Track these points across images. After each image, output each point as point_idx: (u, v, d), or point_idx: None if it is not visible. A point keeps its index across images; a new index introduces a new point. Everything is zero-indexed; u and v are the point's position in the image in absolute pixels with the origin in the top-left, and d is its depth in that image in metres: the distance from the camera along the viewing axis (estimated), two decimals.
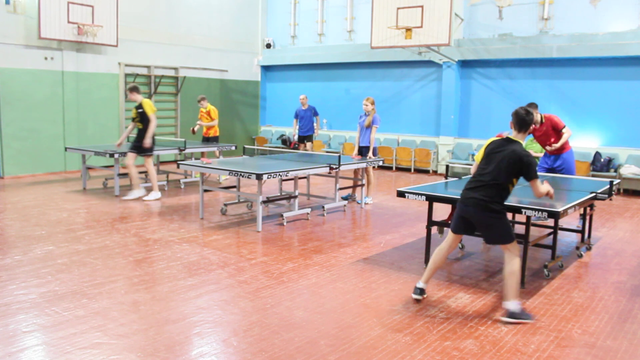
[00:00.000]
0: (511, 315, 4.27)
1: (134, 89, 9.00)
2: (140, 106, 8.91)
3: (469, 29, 13.03)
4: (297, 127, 12.21)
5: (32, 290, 4.75)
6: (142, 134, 8.92)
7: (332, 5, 15.42)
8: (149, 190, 9.20)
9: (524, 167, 4.32)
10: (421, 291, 4.70)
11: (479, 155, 4.68)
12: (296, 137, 12.52)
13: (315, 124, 12.17)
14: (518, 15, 12.34)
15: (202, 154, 11.24)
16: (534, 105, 7.47)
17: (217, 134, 11.44)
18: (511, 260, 4.37)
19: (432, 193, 5.51)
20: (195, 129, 11.35)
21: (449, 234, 4.69)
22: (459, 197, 5.17)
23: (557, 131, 7.46)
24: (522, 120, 4.48)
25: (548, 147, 7.60)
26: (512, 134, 4.57)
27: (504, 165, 4.33)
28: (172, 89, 14.31)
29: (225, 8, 15.52)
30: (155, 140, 9.34)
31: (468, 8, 13.00)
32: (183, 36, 14.37)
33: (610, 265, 5.96)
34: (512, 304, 4.29)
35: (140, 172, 10.66)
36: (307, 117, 12.15)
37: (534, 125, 7.51)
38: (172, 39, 14.11)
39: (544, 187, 4.48)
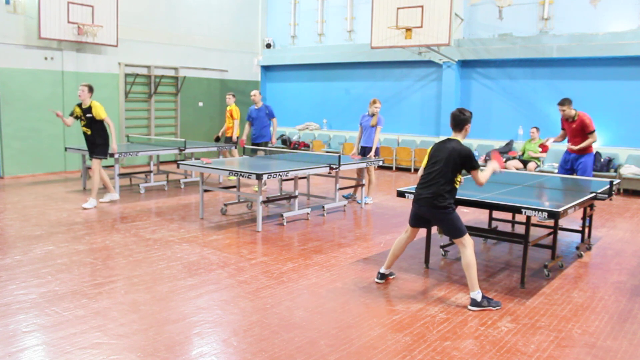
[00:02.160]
0: (475, 304, 4.52)
1: (90, 89, 8.27)
2: (89, 110, 8.17)
3: (469, 29, 13.03)
4: (250, 130, 10.44)
5: (32, 290, 4.75)
6: (92, 139, 8.34)
7: (332, 5, 15.42)
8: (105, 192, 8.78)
9: (464, 160, 4.62)
10: (382, 276, 5.13)
11: (424, 160, 4.94)
12: (237, 138, 10.93)
13: (271, 128, 10.31)
14: (518, 15, 12.34)
15: (223, 153, 11.45)
16: (568, 100, 7.54)
17: (231, 134, 11.13)
18: (465, 253, 4.62)
19: None
20: (220, 134, 11.50)
21: (407, 227, 5.03)
22: (459, 197, 5.24)
23: (584, 132, 7.51)
24: (457, 119, 4.76)
25: (570, 145, 7.67)
26: (452, 134, 4.84)
27: (447, 163, 4.63)
28: (172, 89, 14.31)
29: (225, 8, 15.52)
30: (109, 144, 8.57)
31: (468, 8, 13.00)
32: (183, 36, 14.37)
33: (610, 265, 5.96)
34: (475, 294, 4.54)
35: (140, 173, 10.66)
36: (259, 119, 10.21)
37: (566, 120, 7.65)
38: (172, 39, 14.11)
39: (486, 172, 4.77)
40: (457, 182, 4.73)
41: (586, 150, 7.61)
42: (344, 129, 15.11)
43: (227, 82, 15.75)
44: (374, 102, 8.95)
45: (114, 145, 8.56)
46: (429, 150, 4.93)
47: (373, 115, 8.91)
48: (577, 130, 7.56)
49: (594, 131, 7.53)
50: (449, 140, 4.77)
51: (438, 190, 4.64)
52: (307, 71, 16.06)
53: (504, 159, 11.53)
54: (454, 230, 4.68)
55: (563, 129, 7.84)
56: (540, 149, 10.83)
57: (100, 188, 8.67)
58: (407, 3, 11.96)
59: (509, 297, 4.84)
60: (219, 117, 12.66)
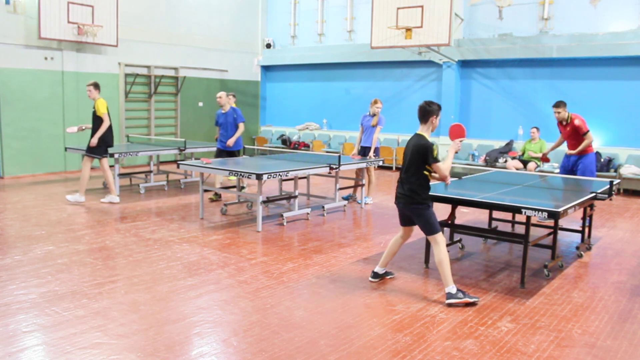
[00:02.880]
0: (450, 296, 4.61)
1: (96, 86, 8.47)
2: (94, 105, 8.48)
3: (469, 29, 13.03)
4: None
5: (32, 290, 4.75)
6: (92, 134, 8.49)
7: (332, 5, 15.42)
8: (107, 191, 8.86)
9: (423, 153, 4.66)
10: (375, 275, 5.16)
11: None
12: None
13: (237, 134, 9.03)
14: (518, 15, 12.34)
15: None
16: (563, 102, 7.57)
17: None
18: (437, 250, 4.70)
19: (432, 193, 5.49)
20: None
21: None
22: (459, 197, 5.25)
23: (578, 134, 7.53)
24: (423, 111, 4.79)
25: (568, 151, 7.71)
26: (419, 128, 4.86)
27: (412, 157, 4.73)
28: (172, 89, 14.31)
29: (225, 8, 15.52)
30: (108, 141, 8.56)
31: (468, 8, 13.00)
32: (183, 36, 14.37)
33: (610, 265, 5.96)
34: (450, 288, 4.63)
35: (140, 173, 10.66)
36: (226, 125, 9.02)
37: (560, 123, 7.70)
38: (172, 39, 14.12)
39: (447, 161, 4.86)
40: (430, 176, 4.78)
41: (585, 151, 7.63)
42: (344, 129, 15.11)
43: (227, 82, 15.75)
44: (375, 102, 8.94)
45: (93, 140, 8.43)
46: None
47: (374, 115, 8.91)
48: (571, 132, 7.59)
49: (588, 132, 7.54)
50: (415, 135, 4.83)
51: (411, 186, 4.73)
52: (307, 71, 16.06)
53: (504, 159, 11.53)
54: (428, 226, 4.74)
55: (561, 133, 7.86)
56: (540, 154, 10.84)
57: (98, 188, 8.66)
58: (407, 3, 11.96)
59: (509, 297, 4.84)
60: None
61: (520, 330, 4.15)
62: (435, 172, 4.78)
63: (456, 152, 4.98)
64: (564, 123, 7.64)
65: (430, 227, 4.74)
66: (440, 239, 4.73)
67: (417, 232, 7.13)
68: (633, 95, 11.08)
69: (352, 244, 6.56)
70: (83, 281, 4.99)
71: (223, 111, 9.09)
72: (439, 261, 4.68)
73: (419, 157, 4.69)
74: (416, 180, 4.73)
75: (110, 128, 8.55)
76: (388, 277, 5.26)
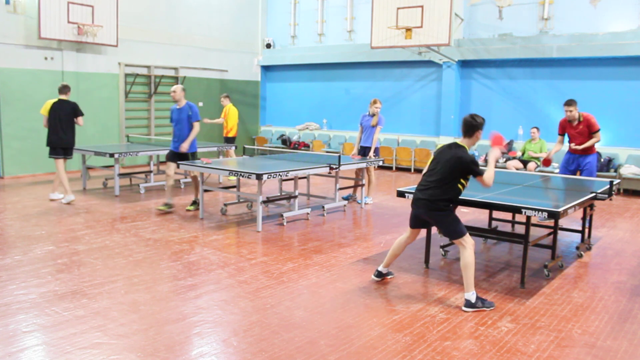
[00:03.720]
0: (469, 305, 4.52)
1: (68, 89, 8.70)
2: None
3: (469, 29, 13.03)
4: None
5: (32, 290, 4.75)
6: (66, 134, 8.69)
7: (332, 5, 15.42)
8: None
9: (466, 167, 4.60)
10: (379, 274, 5.14)
11: (429, 161, 4.94)
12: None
13: (191, 134, 7.96)
14: (518, 15, 12.34)
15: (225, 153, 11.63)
16: (575, 101, 7.50)
17: (229, 134, 11.64)
18: (463, 254, 4.60)
19: None
20: (206, 120, 11.65)
21: (408, 228, 5.04)
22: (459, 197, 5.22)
23: (589, 132, 7.46)
24: (469, 125, 4.71)
25: (573, 145, 7.61)
26: (459, 139, 4.79)
27: (448, 168, 4.63)
28: None
29: (225, 8, 15.52)
30: (54, 142, 8.58)
31: (468, 8, 13.00)
32: (183, 36, 14.37)
33: (610, 265, 5.96)
34: (470, 295, 4.53)
35: (140, 173, 10.66)
36: (182, 122, 7.95)
37: (569, 122, 7.58)
38: (172, 39, 14.12)
39: (489, 171, 4.71)
40: (461, 188, 4.70)
41: (591, 150, 7.57)
42: (344, 129, 15.11)
43: (227, 82, 15.76)
44: (375, 102, 8.94)
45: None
46: (435, 151, 4.94)
47: (373, 115, 8.91)
48: (584, 131, 7.49)
49: (599, 130, 7.48)
50: (455, 145, 4.72)
51: (435, 193, 4.64)
52: (307, 71, 16.06)
53: (504, 159, 11.53)
54: (452, 231, 4.68)
55: (560, 134, 7.76)
56: (540, 156, 10.83)
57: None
58: (407, 3, 11.96)
59: (509, 297, 4.84)
60: (219, 117, 12.71)
61: (520, 330, 4.15)
62: (480, 182, 4.68)
63: (497, 161, 4.89)
64: (574, 123, 7.55)
65: (454, 233, 4.66)
66: (467, 242, 4.60)
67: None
68: (633, 95, 11.08)
69: (352, 244, 6.56)
70: (83, 281, 4.99)
71: (178, 107, 8.00)
72: (464, 265, 4.56)
73: (462, 169, 4.60)
74: (449, 190, 4.64)
75: (51, 129, 8.56)
76: (388, 277, 5.26)
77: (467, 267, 4.55)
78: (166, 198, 8.27)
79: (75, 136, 8.83)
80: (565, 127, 7.72)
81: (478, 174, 4.63)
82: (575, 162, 7.69)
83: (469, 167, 4.60)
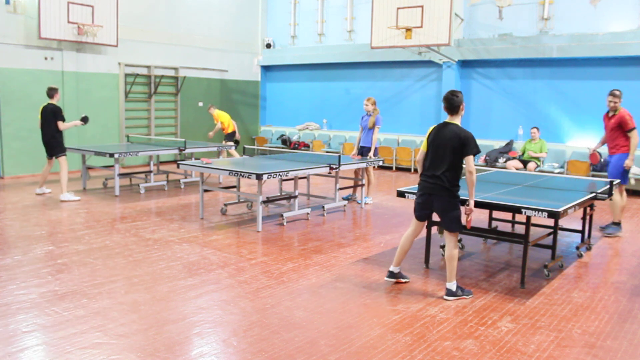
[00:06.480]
0: (451, 293, 4.73)
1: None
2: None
3: (469, 29, 13.03)
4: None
5: (32, 290, 4.75)
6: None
7: (332, 5, 15.42)
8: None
9: (467, 143, 4.57)
10: (392, 274, 5.09)
11: (424, 143, 4.90)
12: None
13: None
14: (518, 15, 12.34)
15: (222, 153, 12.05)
16: (616, 92, 7.21)
17: (228, 131, 12.31)
18: (450, 245, 4.75)
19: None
20: (210, 135, 12.63)
21: (413, 221, 5.04)
22: (459, 197, 5.22)
23: (621, 129, 7.18)
24: (453, 102, 4.73)
25: (607, 144, 7.34)
26: (447, 118, 4.82)
27: (454, 148, 4.61)
28: (172, 89, 14.31)
29: (225, 8, 15.52)
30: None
31: (468, 8, 13.00)
32: (183, 36, 14.37)
33: (610, 265, 5.96)
34: (452, 285, 4.74)
35: (140, 173, 10.68)
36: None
37: (607, 113, 7.28)
38: (172, 39, 14.11)
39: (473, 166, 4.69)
40: (460, 167, 4.72)
41: (620, 148, 7.22)
42: (344, 129, 15.11)
43: (227, 82, 15.76)
44: (368, 100, 8.92)
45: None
46: (427, 134, 4.88)
47: (370, 115, 8.91)
48: (614, 125, 7.23)
49: (634, 128, 7.13)
50: (449, 124, 4.72)
51: (451, 176, 4.65)
52: (307, 71, 16.06)
53: (504, 159, 11.53)
54: (454, 222, 4.71)
55: (605, 125, 7.44)
56: (540, 156, 10.83)
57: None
58: (407, 3, 11.96)
59: (509, 297, 4.85)
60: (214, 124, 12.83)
61: (520, 330, 4.15)
62: (467, 163, 4.64)
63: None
64: (611, 114, 7.28)
65: (456, 224, 4.71)
66: (456, 238, 4.80)
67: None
68: (633, 95, 11.06)
69: (352, 244, 6.56)
70: (83, 281, 4.99)
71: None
72: (451, 256, 4.72)
73: (462, 147, 4.58)
74: (455, 172, 4.65)
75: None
76: (403, 280, 5.13)
77: (453, 258, 4.72)
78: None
79: (60, 138, 8.90)
80: (604, 119, 7.43)
81: (469, 153, 4.59)
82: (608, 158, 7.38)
83: (467, 143, 4.56)
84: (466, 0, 12.95)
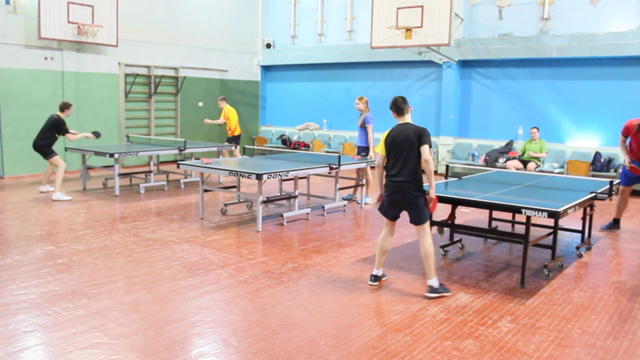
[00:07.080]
0: (432, 290, 4.76)
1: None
2: None
3: (469, 29, 13.03)
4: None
5: (32, 290, 4.75)
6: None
7: (332, 5, 15.41)
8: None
9: (421, 134, 4.76)
10: (375, 278, 5.09)
11: (381, 147, 4.98)
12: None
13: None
14: (518, 15, 12.33)
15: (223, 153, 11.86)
16: None
17: (234, 133, 11.83)
18: (425, 241, 4.80)
19: (438, 194, 5.50)
20: (206, 121, 12.07)
21: (385, 222, 5.07)
22: (459, 197, 5.24)
23: None
24: (401, 105, 4.96)
25: (627, 162, 7.24)
26: (399, 120, 4.98)
27: (413, 145, 4.75)
28: (172, 89, 14.31)
29: (225, 8, 15.51)
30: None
31: (468, 8, 12.99)
32: (183, 36, 14.37)
33: (610, 265, 5.96)
34: (433, 281, 4.78)
35: (140, 173, 10.68)
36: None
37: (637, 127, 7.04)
38: (172, 39, 14.11)
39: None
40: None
41: None
42: (344, 129, 15.11)
43: (227, 82, 15.75)
44: (358, 99, 8.90)
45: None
46: (383, 138, 4.95)
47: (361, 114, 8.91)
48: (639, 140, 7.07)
49: None
50: (406, 124, 4.88)
51: (414, 174, 4.75)
52: (307, 71, 16.05)
53: (504, 159, 11.53)
54: (423, 215, 4.81)
55: (624, 135, 7.26)
56: (540, 156, 10.83)
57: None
58: (407, 3, 11.96)
59: (509, 297, 4.85)
60: (219, 117, 12.73)
61: (520, 330, 4.15)
62: (423, 153, 4.73)
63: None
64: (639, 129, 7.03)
65: (424, 216, 4.83)
66: (429, 228, 4.84)
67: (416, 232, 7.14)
68: (633, 95, 11.07)
69: (352, 244, 6.56)
70: (83, 281, 4.99)
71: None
72: (425, 253, 4.76)
73: (420, 142, 4.72)
74: (418, 167, 4.77)
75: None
76: (383, 279, 5.20)
77: (430, 255, 4.76)
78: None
79: (47, 142, 8.99)
80: (630, 130, 7.20)
81: (426, 143, 4.73)
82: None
83: (423, 135, 4.75)
84: (466, 0, 12.95)
